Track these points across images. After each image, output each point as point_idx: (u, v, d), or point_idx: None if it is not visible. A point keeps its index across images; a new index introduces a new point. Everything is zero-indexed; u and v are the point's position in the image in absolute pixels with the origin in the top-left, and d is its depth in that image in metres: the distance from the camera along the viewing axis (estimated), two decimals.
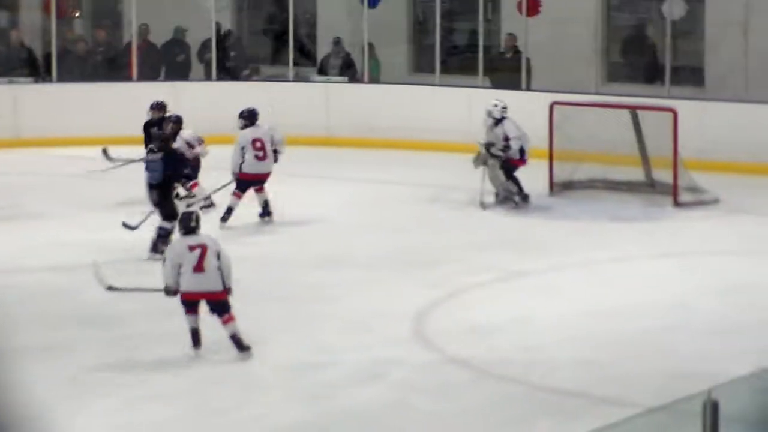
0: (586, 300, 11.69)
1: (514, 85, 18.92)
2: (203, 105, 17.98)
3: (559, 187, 15.40)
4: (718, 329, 10.37)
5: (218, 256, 9.66)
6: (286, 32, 19.86)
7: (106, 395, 8.75)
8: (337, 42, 19.88)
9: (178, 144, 13.30)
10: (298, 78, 20.01)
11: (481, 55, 19.13)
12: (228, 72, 20.31)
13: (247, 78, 20.55)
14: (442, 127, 17.31)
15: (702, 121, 16.81)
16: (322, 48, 20.68)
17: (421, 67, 20.62)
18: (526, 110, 16.17)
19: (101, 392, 8.84)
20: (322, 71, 20.01)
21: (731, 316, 10.91)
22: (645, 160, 15.46)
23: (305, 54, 20.79)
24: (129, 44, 19.88)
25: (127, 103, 17.05)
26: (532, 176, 15.02)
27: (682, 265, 12.98)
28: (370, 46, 19.67)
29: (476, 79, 19.10)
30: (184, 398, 9.21)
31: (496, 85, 19.03)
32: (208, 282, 9.36)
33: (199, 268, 9.53)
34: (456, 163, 15.23)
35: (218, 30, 20.33)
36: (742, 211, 15.05)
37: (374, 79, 19.85)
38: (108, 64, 20.56)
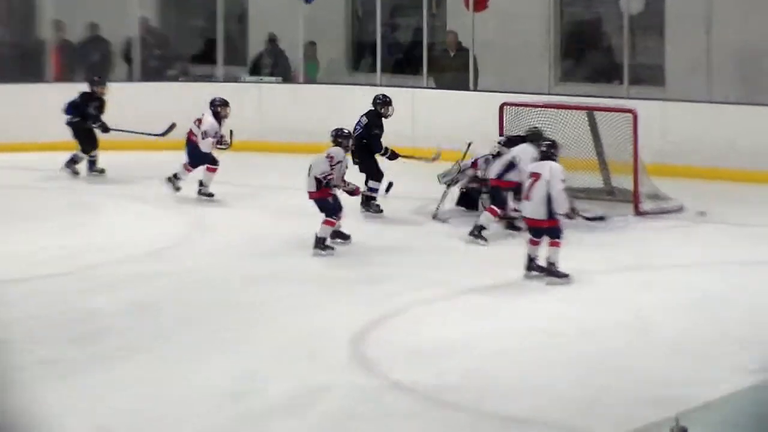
0: (541, 319, 11.37)
1: (461, 85, 18.52)
2: (126, 107, 17.60)
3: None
4: (684, 350, 10.05)
5: (549, 187, 11.01)
6: (215, 29, 19.61)
7: None
8: (272, 40, 19.78)
9: None
10: (228, 78, 19.70)
11: (425, 53, 18.74)
12: (153, 71, 20.18)
13: (174, 78, 20.35)
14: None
15: (663, 123, 16.68)
16: (254, 46, 20.38)
17: (361, 66, 20.38)
18: (473, 111, 16.38)
19: None
20: (255, 71, 19.77)
21: (698, 335, 10.61)
22: (603, 165, 15.24)
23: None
24: (44, 42, 19.86)
25: (44, 106, 17.01)
26: None
27: (645, 279, 12.71)
28: (311, 44, 19.60)
29: (420, 79, 18.81)
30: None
31: (442, 85, 18.79)
32: (530, 209, 10.94)
33: (526, 196, 11.19)
34: (400, 170, 14.99)
35: (143, 27, 20.24)
36: (708, 221, 14.75)
37: (310, 80, 19.69)
38: (21, 64, 20.46)
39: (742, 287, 12.26)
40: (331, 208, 12.28)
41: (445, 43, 19.69)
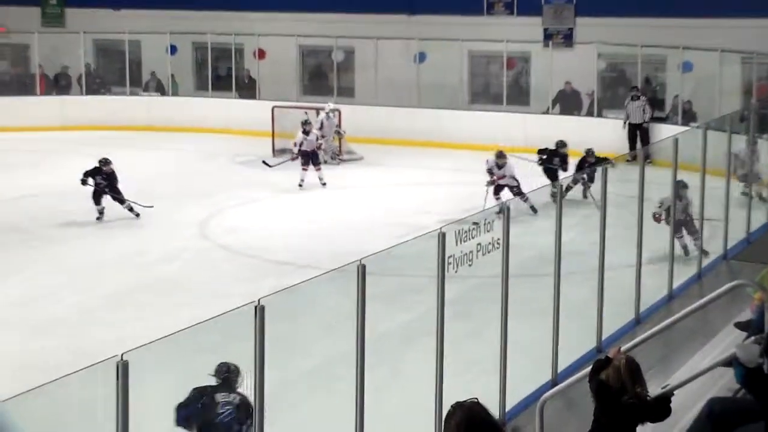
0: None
1: (252, 96, 27.04)
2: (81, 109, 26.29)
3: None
4: None
5: None
6: (124, 68, 28.24)
7: None
8: (153, 73, 28.45)
9: None
10: (132, 93, 28.40)
11: (233, 80, 27.77)
12: (93, 90, 28.51)
13: (103, 93, 28.76)
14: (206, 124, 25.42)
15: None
16: (146, 76, 28.93)
17: (201, 87, 29.05)
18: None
19: None
20: (145, 90, 28.66)
21: None
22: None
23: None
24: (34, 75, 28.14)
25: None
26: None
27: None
28: (173, 76, 28.38)
29: (231, 93, 27.80)
30: None
31: (243, 96, 27.41)
32: None
33: None
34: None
35: (87, 67, 28.76)
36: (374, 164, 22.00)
37: (175, 94, 28.34)
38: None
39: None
40: None
41: (245, 76, 28.16)
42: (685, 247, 13.20)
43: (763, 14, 21.84)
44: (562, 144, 18.98)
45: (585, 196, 16.72)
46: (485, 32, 25.12)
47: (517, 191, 16.90)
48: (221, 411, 7.72)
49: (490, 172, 17.46)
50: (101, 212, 17.44)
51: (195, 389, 7.78)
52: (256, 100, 27.02)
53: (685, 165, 12.79)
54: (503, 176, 17.22)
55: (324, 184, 20.25)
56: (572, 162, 18.53)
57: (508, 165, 17.44)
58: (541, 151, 18.90)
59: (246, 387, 7.58)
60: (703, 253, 12.86)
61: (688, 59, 22.85)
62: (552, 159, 18.76)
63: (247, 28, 27.29)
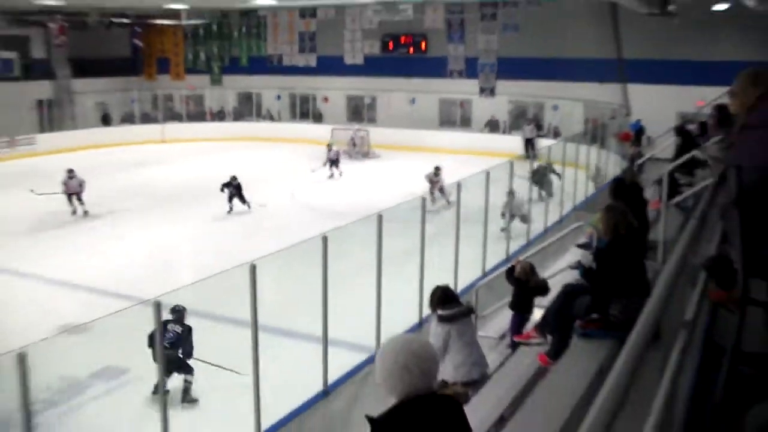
0: None
1: (320, 122, 25.17)
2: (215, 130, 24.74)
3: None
4: None
5: None
6: (252, 107, 26.73)
7: None
8: (268, 110, 26.47)
9: None
10: (256, 120, 26.54)
11: (311, 114, 26.11)
12: (236, 119, 26.69)
13: (241, 121, 26.51)
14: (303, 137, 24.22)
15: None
16: (264, 111, 26.98)
17: (293, 117, 26.90)
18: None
19: None
20: (263, 119, 26.71)
21: None
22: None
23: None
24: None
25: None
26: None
27: None
28: (279, 111, 26.34)
29: (309, 120, 26.19)
30: None
31: (315, 122, 25.46)
32: None
33: None
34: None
35: (233, 107, 26.82)
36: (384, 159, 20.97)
37: (279, 121, 26.18)
38: None
39: None
40: None
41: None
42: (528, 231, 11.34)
43: (594, 80, 20.90)
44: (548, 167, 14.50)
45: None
46: (448, 87, 24.05)
47: (441, 191, 14.60)
48: (168, 335, 6.91)
49: (430, 177, 15.20)
50: (231, 209, 14.77)
51: (160, 323, 6.52)
52: (322, 124, 25.68)
53: (554, 161, 12.71)
54: (438, 181, 15.02)
55: (341, 174, 18.37)
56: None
57: (441, 176, 15.13)
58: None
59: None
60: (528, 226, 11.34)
61: (556, 103, 22.16)
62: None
63: (318, 85, 26.03)
